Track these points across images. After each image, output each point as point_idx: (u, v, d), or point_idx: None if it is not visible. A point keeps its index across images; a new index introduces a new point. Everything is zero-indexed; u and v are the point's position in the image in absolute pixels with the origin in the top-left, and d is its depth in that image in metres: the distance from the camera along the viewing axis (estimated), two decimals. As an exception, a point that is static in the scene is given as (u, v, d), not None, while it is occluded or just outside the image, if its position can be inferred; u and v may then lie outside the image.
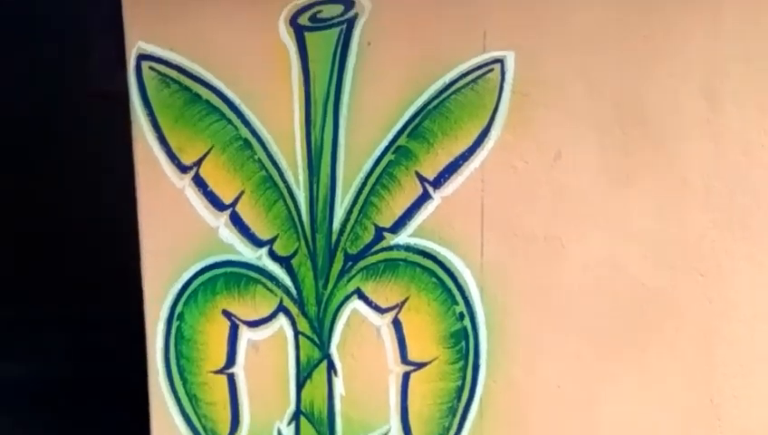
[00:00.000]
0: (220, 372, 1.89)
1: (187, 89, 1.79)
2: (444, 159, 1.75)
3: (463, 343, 1.81)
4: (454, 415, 1.84)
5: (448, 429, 1.84)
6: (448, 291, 1.79)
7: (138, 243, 1.85)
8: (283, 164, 1.79)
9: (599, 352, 1.81)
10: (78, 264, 4.48)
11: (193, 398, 1.91)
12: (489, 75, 1.70)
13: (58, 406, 3.54)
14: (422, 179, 1.75)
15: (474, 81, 1.70)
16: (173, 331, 1.89)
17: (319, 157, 1.78)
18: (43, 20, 4.84)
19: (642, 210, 1.74)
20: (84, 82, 4.90)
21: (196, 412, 1.91)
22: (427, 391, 1.85)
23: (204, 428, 1.91)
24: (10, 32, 4.94)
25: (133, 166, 1.82)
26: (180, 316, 1.88)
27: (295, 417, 1.88)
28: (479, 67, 1.70)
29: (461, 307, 1.79)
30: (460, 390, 1.83)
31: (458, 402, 1.83)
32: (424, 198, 1.77)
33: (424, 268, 1.79)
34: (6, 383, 3.81)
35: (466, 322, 1.80)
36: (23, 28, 4.88)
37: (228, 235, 1.83)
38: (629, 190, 1.73)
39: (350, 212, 1.79)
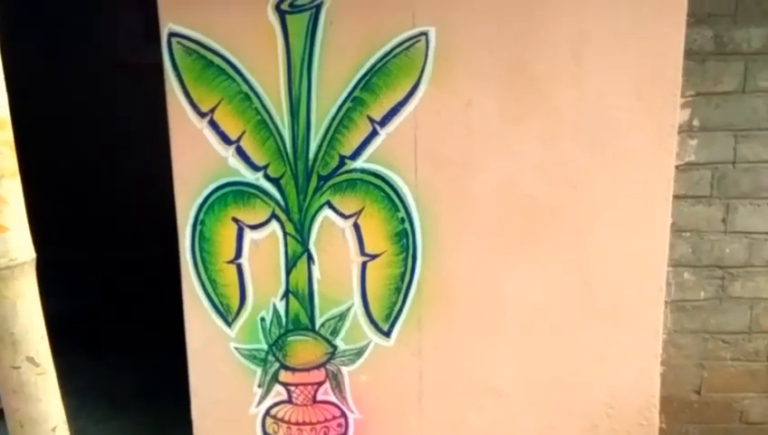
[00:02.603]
0: (231, 262, 2.45)
1: (203, 57, 2.32)
2: (387, 106, 2.32)
3: (404, 240, 2.41)
4: (399, 293, 2.46)
5: (395, 303, 2.48)
6: (393, 202, 2.38)
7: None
8: (273, 111, 2.33)
9: (503, 246, 2.42)
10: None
11: (212, 281, 2.47)
12: (418, 44, 2.28)
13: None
14: (372, 121, 2.33)
15: (407, 48, 2.28)
16: (197, 233, 2.44)
17: (298, 106, 2.33)
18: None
19: (531, 142, 2.33)
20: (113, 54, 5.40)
21: (215, 291, 2.48)
22: (379, 276, 2.45)
23: (220, 302, 2.51)
24: (47, 7, 5.46)
25: (163, 121, 2.34)
26: (202, 222, 2.42)
27: (285, 295, 2.49)
28: (411, 39, 2.27)
29: (402, 213, 2.40)
30: (403, 275, 2.45)
31: (402, 284, 2.45)
32: (373, 134, 2.34)
33: (375, 185, 2.38)
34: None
35: (406, 225, 2.40)
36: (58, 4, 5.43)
37: (235, 162, 2.38)
38: (521, 127, 2.33)
39: (320, 145, 2.36)
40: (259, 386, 2.59)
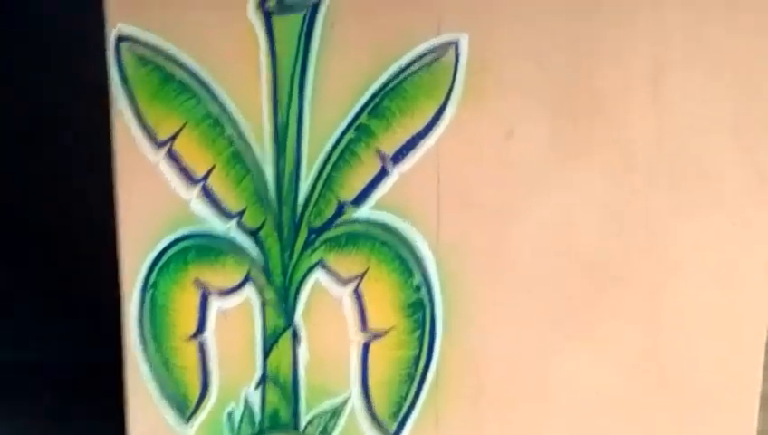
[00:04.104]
0: (191, 338, 2.03)
1: (162, 68, 1.93)
2: (402, 137, 1.89)
3: (420, 314, 1.96)
4: (411, 382, 1.98)
5: (406, 395, 1.99)
6: (406, 263, 1.94)
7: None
8: (252, 140, 1.93)
9: (551, 318, 1.95)
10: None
11: (166, 362, 2.05)
12: (444, 57, 1.85)
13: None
14: (381, 156, 1.90)
15: (429, 63, 1.85)
16: (147, 299, 2.03)
17: (285, 134, 1.92)
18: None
19: (591, 180, 1.88)
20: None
21: (169, 376, 2.06)
22: (387, 359, 1.99)
23: (176, 391, 2.06)
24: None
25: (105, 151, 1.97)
26: (154, 285, 2.02)
27: (262, 382, 2.03)
28: (434, 50, 1.84)
29: (418, 279, 1.94)
30: (417, 358, 1.98)
31: (415, 370, 1.98)
32: (383, 173, 1.91)
33: (383, 241, 1.94)
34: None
35: (423, 293, 1.94)
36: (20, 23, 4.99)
37: (200, 207, 1.97)
38: (578, 162, 1.88)
39: (313, 186, 1.94)
40: (224, 504, 2.11)
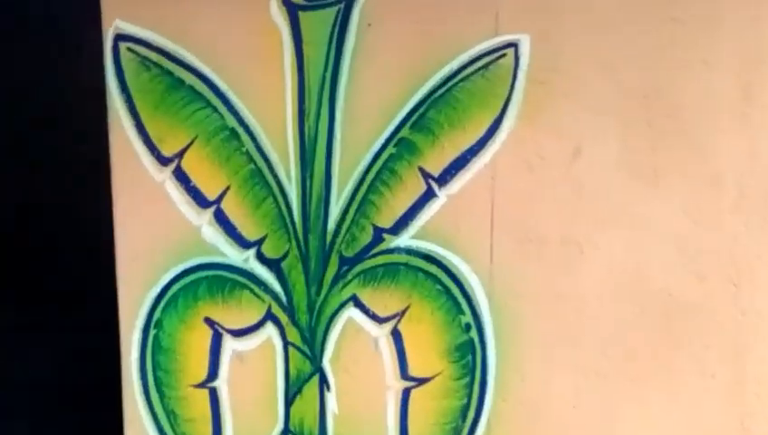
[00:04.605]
0: (201, 385, 1.85)
1: (168, 73, 1.76)
2: (450, 154, 1.70)
3: (469, 357, 1.76)
4: None
5: None
6: (454, 299, 1.74)
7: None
8: (274, 157, 1.76)
9: (620, 368, 1.75)
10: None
11: (171, 414, 1.88)
12: (501, 61, 1.64)
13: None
14: (426, 176, 1.71)
15: (484, 67, 1.65)
16: (150, 340, 1.87)
17: (312, 150, 1.74)
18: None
19: (669, 212, 1.68)
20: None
21: (174, 430, 1.88)
22: (429, 410, 1.80)
23: None
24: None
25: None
26: (158, 324, 1.85)
27: None
28: (490, 52, 1.65)
29: (467, 317, 1.74)
30: (465, 409, 1.78)
31: (463, 423, 1.78)
32: (428, 196, 1.72)
33: (427, 274, 1.74)
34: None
35: (473, 333, 1.74)
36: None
37: (212, 234, 1.79)
38: (656, 190, 1.67)
39: (346, 211, 1.75)
40: None
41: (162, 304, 1.83)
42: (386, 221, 1.73)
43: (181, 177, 1.78)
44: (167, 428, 1.86)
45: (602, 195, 1.69)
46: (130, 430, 1.87)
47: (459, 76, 1.66)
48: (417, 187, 1.72)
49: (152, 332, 1.85)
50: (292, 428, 1.82)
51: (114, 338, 1.86)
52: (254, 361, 1.83)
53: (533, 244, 1.72)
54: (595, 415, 1.77)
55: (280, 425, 1.83)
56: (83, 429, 2.39)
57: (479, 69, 1.65)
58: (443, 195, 1.71)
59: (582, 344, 1.75)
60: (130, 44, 1.76)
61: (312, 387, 1.82)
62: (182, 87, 1.75)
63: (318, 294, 1.78)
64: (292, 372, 1.82)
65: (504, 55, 1.64)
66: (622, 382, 1.75)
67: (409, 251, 1.74)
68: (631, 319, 1.73)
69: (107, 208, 1.82)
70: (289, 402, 1.82)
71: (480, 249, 1.74)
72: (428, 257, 1.73)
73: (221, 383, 1.84)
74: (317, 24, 1.70)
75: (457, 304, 1.74)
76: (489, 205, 1.71)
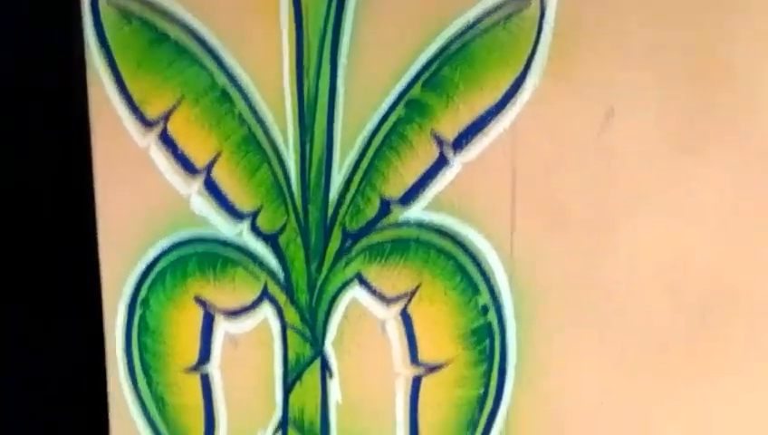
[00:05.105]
0: (192, 370, 1.70)
1: (152, 26, 1.58)
2: (467, 117, 1.52)
3: (486, 343, 1.60)
4: (474, 430, 1.63)
5: None
6: (469, 278, 1.58)
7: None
8: (269, 120, 1.58)
9: (655, 360, 1.58)
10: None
11: (160, 401, 1.73)
12: (525, 12, 1.47)
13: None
14: (439, 141, 1.54)
15: (506, 18, 1.47)
16: (136, 321, 1.70)
17: (312, 111, 1.57)
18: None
19: (713, 186, 1.50)
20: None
21: (163, 418, 1.73)
22: (442, 401, 1.65)
23: None
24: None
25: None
26: (144, 303, 1.68)
27: (282, 427, 1.69)
28: (513, 1, 1.47)
29: (485, 298, 1.58)
30: (482, 399, 1.63)
31: (480, 415, 1.63)
32: (441, 163, 1.55)
33: (440, 250, 1.58)
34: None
35: (491, 316, 1.59)
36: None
37: (202, 205, 1.62)
38: (699, 160, 1.49)
39: (350, 180, 1.58)
40: None
41: (149, 281, 1.67)
42: (394, 191, 1.56)
43: (167, 142, 1.62)
44: (155, 416, 1.71)
45: (637, 164, 1.52)
46: (116, 417, 1.72)
47: (477, 29, 1.48)
48: (429, 153, 1.56)
49: (138, 311, 1.69)
50: (291, 417, 1.66)
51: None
52: (249, 344, 1.68)
53: (559, 218, 1.55)
54: (625, 413, 1.60)
55: (278, 414, 1.68)
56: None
57: (500, 20, 1.47)
58: (458, 162, 1.55)
59: (613, 333, 1.58)
60: (110, -6, 1.58)
61: (313, 373, 1.67)
62: (167, 42, 1.58)
63: (319, 271, 1.62)
64: (291, 356, 1.66)
65: (528, 5, 1.47)
66: (657, 377, 1.59)
67: (420, 224, 1.57)
68: (668, 304, 1.55)
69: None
70: (288, 390, 1.67)
71: (499, 223, 1.57)
72: (442, 232, 1.57)
73: (213, 368, 1.69)
74: (317, -31, 1.51)
75: (474, 284, 1.58)
76: (510, 174, 1.54)
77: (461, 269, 1.57)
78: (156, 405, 1.72)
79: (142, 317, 1.69)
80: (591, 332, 1.58)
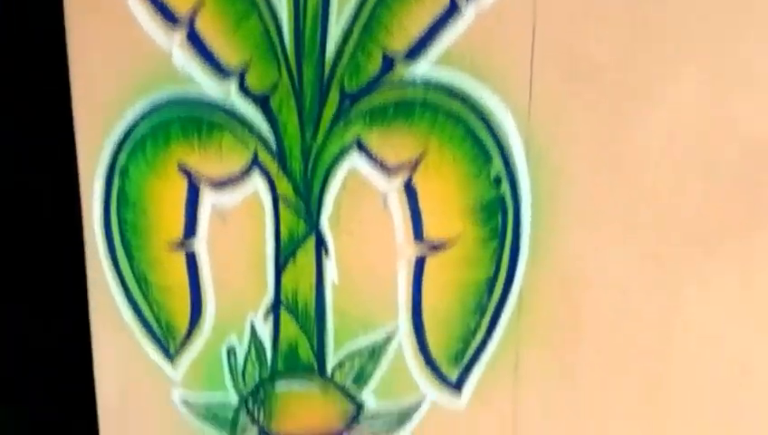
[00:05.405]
0: (177, 247, 1.55)
1: None
2: None
3: (498, 218, 1.44)
4: (482, 314, 1.48)
5: (474, 331, 1.48)
6: (481, 145, 1.40)
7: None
8: None
9: (686, 241, 1.40)
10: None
11: (142, 281, 1.59)
12: None
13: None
14: None
15: None
16: (114, 193, 1.55)
17: None
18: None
19: (762, 41, 1.29)
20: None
21: (146, 299, 1.59)
22: (448, 282, 1.49)
23: (156, 319, 1.58)
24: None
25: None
26: (124, 172, 1.53)
27: (274, 308, 1.55)
28: None
29: (498, 168, 1.41)
30: (492, 281, 1.47)
31: (489, 298, 1.47)
32: (451, 12, 1.36)
33: (449, 113, 1.40)
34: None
35: (504, 188, 1.42)
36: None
37: (185, 60, 1.44)
38: (746, 16, 1.29)
39: (349, 31, 1.40)
40: (224, 466, 1.69)
41: (127, 147, 1.51)
42: (398, 44, 1.37)
43: (146, -12, 1.42)
44: (137, 296, 1.58)
45: (675, 13, 1.31)
46: (95, 299, 1.58)
47: None
48: (437, 0, 1.36)
49: (117, 182, 1.53)
50: (283, 299, 1.52)
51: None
52: (238, 218, 1.52)
53: (585, 78, 1.36)
54: (650, 299, 1.44)
55: (269, 295, 1.54)
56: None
57: None
58: (470, 11, 1.35)
59: (640, 208, 1.40)
60: None
61: (308, 251, 1.52)
62: None
63: (314, 137, 1.45)
64: (284, 232, 1.51)
65: None
66: (688, 260, 1.41)
67: (427, 83, 1.39)
68: (707, 176, 1.36)
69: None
70: (280, 269, 1.53)
71: (517, 83, 1.38)
72: (451, 91, 1.38)
73: (199, 244, 1.54)
74: None
75: (486, 152, 1.41)
76: (529, 25, 1.35)
77: (471, 134, 1.39)
78: (138, 286, 1.58)
79: (121, 189, 1.53)
80: (617, 211, 1.41)
